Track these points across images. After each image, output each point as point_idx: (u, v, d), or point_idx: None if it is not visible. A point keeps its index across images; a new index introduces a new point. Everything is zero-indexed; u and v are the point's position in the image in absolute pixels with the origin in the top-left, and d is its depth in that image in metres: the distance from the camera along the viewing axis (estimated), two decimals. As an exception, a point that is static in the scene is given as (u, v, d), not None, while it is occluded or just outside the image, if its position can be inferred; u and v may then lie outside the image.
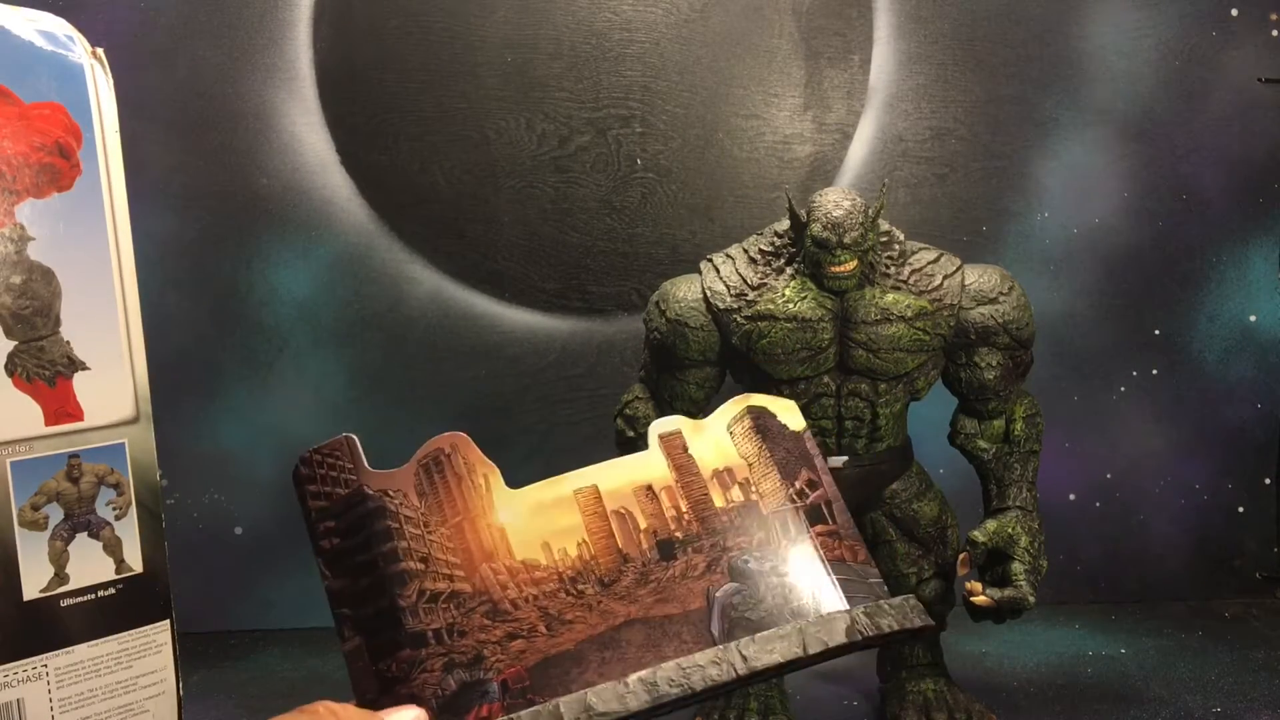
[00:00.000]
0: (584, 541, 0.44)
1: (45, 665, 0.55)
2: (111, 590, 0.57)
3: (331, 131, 1.20)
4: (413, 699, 0.41)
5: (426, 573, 0.44)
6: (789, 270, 0.84)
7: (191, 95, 1.18)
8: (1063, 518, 1.23)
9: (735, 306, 0.84)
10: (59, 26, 0.56)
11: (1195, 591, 1.26)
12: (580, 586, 0.43)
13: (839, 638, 0.42)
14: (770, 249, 0.86)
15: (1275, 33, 1.21)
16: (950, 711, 0.89)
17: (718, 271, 0.86)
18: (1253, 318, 1.25)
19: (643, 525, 0.45)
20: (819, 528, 0.45)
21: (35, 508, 0.55)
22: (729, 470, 0.46)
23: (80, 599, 0.56)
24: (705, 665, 0.41)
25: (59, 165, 0.55)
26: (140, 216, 0.60)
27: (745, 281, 0.85)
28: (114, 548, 0.58)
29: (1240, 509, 1.27)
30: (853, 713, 0.97)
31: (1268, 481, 1.27)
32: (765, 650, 0.41)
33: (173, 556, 0.60)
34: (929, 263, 0.85)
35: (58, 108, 0.55)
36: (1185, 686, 1.01)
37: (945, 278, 0.85)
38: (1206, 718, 0.94)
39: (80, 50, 0.56)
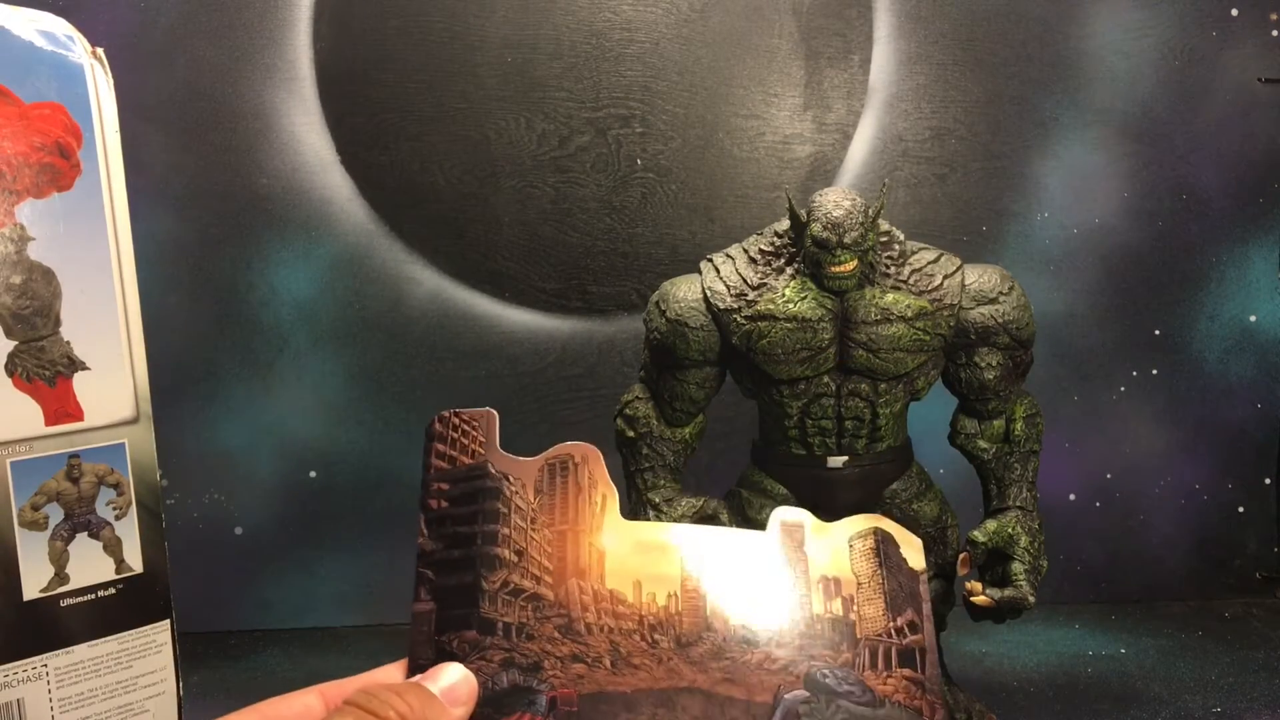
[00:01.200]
0: (675, 595, 0.43)
1: (45, 665, 0.55)
2: (111, 590, 0.57)
3: (331, 131, 1.20)
4: None
5: (517, 566, 0.43)
6: (789, 270, 0.84)
7: (191, 95, 1.18)
8: (1063, 518, 1.23)
9: (735, 306, 0.84)
10: (59, 26, 0.56)
11: (1195, 591, 1.26)
12: (657, 636, 0.43)
13: None
14: (770, 249, 0.86)
15: (1276, 33, 1.21)
16: (950, 711, 0.89)
17: (718, 271, 0.86)
18: (1253, 318, 1.25)
19: None
20: (906, 671, 0.43)
21: (35, 508, 0.55)
22: (837, 581, 0.44)
23: (80, 599, 0.56)
24: None
25: (59, 165, 0.55)
26: (140, 216, 0.60)
27: (745, 281, 0.85)
28: (114, 548, 0.58)
29: (1240, 509, 1.27)
30: (853, 713, 0.97)
31: (1268, 481, 1.27)
32: None
33: (172, 557, 0.60)
34: (929, 263, 0.85)
35: (58, 107, 0.55)
36: (1185, 686, 1.01)
37: (945, 278, 0.85)
38: (1206, 718, 0.94)
39: (80, 50, 0.56)
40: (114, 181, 0.55)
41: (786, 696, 0.41)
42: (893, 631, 0.44)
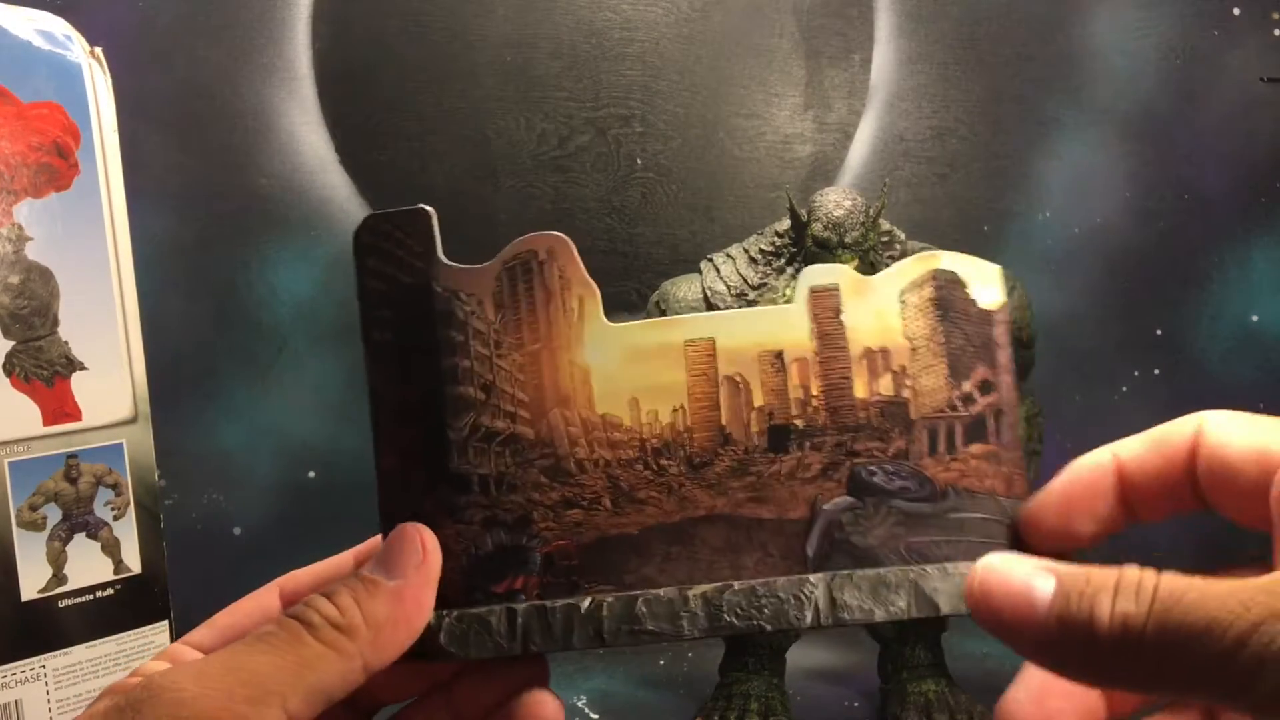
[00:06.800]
0: (681, 407, 0.35)
1: (43, 666, 0.55)
2: (110, 591, 0.57)
3: (330, 131, 1.20)
4: (442, 551, 0.35)
5: (486, 405, 0.36)
6: (790, 270, 0.84)
7: (190, 94, 1.18)
8: (1064, 518, 1.23)
9: (735, 306, 0.84)
10: (57, 25, 0.55)
11: (1196, 592, 1.26)
12: (664, 462, 0.35)
13: (960, 605, 0.34)
14: (771, 249, 0.86)
15: (1277, 32, 1.21)
16: (951, 713, 0.88)
17: (718, 271, 0.86)
18: (1255, 318, 1.25)
19: (758, 402, 0.35)
20: (976, 448, 0.35)
21: (33, 508, 0.55)
22: (884, 352, 0.35)
23: (78, 600, 0.56)
24: (784, 598, 0.34)
25: (57, 165, 0.55)
26: (138, 216, 0.60)
27: (746, 281, 0.85)
28: (112, 548, 0.57)
29: (1241, 509, 1.27)
30: (853, 714, 0.97)
31: (1269, 482, 1.26)
32: (860, 600, 0.33)
33: (171, 557, 0.60)
34: (930, 262, 0.85)
35: (56, 107, 0.55)
36: (1187, 687, 1.01)
37: (946, 277, 0.85)
38: (1208, 719, 0.94)
39: (78, 49, 0.56)
40: (112, 181, 0.55)
41: (826, 507, 0.34)
42: (958, 402, 0.35)
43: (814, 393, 0.35)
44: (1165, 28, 1.21)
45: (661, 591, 0.34)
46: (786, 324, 0.35)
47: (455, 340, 0.36)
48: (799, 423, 0.35)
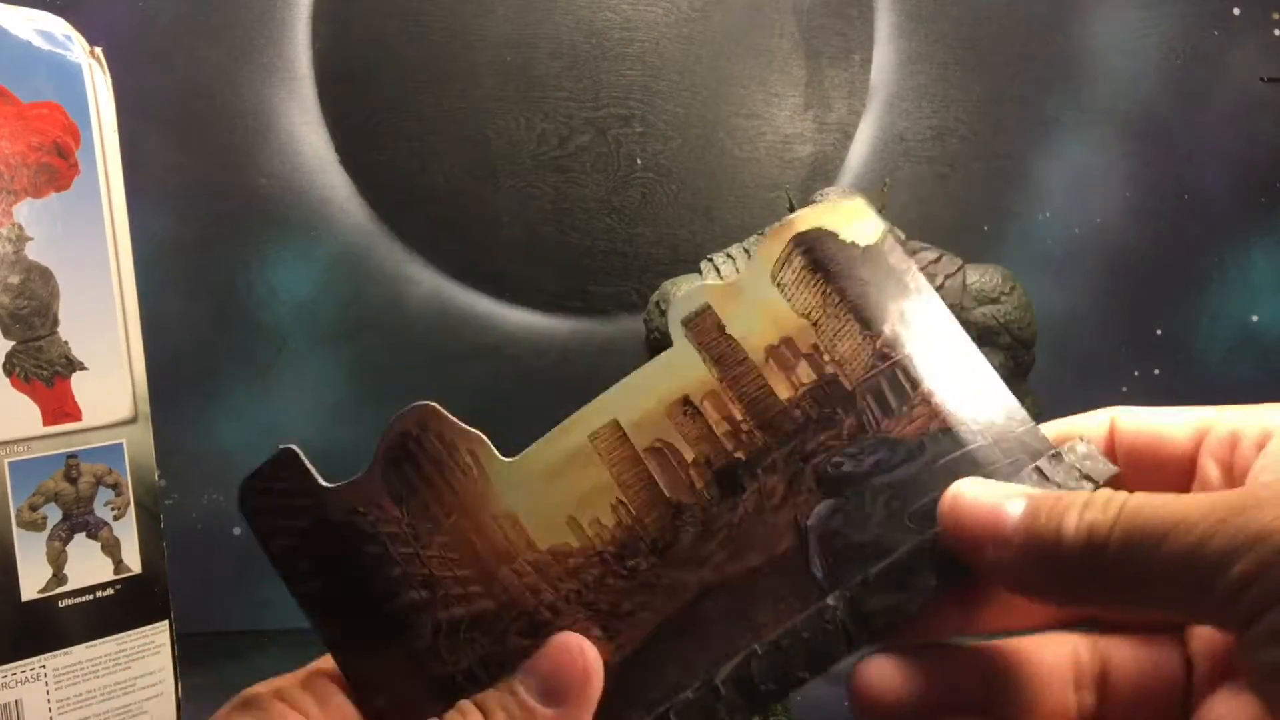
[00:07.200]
0: (620, 502, 0.33)
1: (43, 666, 0.55)
2: (110, 591, 0.57)
3: (330, 131, 1.20)
4: None
5: (435, 600, 0.33)
6: (790, 270, 0.84)
7: (190, 94, 1.18)
8: (1064, 518, 1.23)
9: (736, 306, 0.84)
10: (57, 25, 0.55)
11: (1196, 592, 1.26)
12: (630, 563, 0.32)
13: None
14: (771, 249, 0.86)
15: (1278, 32, 1.21)
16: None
17: (718, 271, 0.86)
18: (1255, 318, 1.25)
19: (690, 456, 0.33)
20: (926, 383, 0.33)
21: (33, 508, 0.55)
22: (787, 342, 0.33)
23: (78, 600, 0.56)
24: (811, 637, 0.31)
25: (57, 165, 0.55)
26: (138, 216, 0.60)
27: (746, 281, 0.85)
28: (112, 548, 0.57)
29: (1242, 509, 1.26)
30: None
31: (1269, 482, 1.26)
32: (888, 599, 0.30)
33: (171, 557, 0.60)
34: (930, 262, 0.85)
35: (55, 107, 0.55)
36: (1187, 687, 1.01)
37: (947, 277, 0.85)
38: (1208, 719, 0.94)
39: (78, 49, 0.56)
40: (112, 181, 0.55)
41: (809, 523, 0.32)
42: (885, 349, 0.32)
43: (739, 418, 0.33)
44: (1165, 28, 1.21)
45: (690, 694, 0.31)
46: (677, 367, 0.33)
47: (374, 554, 0.33)
48: (740, 455, 0.32)
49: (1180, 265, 1.24)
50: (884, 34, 1.21)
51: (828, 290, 0.33)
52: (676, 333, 0.33)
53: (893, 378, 0.32)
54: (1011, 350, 0.86)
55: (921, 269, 0.85)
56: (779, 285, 0.33)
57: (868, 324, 0.33)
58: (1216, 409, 0.32)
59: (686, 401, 0.33)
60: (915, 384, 0.32)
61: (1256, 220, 1.24)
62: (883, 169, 1.22)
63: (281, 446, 0.34)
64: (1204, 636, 0.32)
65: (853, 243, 0.33)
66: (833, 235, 0.33)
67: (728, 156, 1.22)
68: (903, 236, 0.85)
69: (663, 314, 0.86)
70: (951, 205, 1.23)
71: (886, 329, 0.33)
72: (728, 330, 0.33)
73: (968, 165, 1.22)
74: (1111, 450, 0.33)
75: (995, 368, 0.90)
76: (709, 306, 0.33)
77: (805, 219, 0.33)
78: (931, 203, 1.22)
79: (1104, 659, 0.33)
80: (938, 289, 0.87)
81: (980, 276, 0.85)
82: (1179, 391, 1.25)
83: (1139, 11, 1.21)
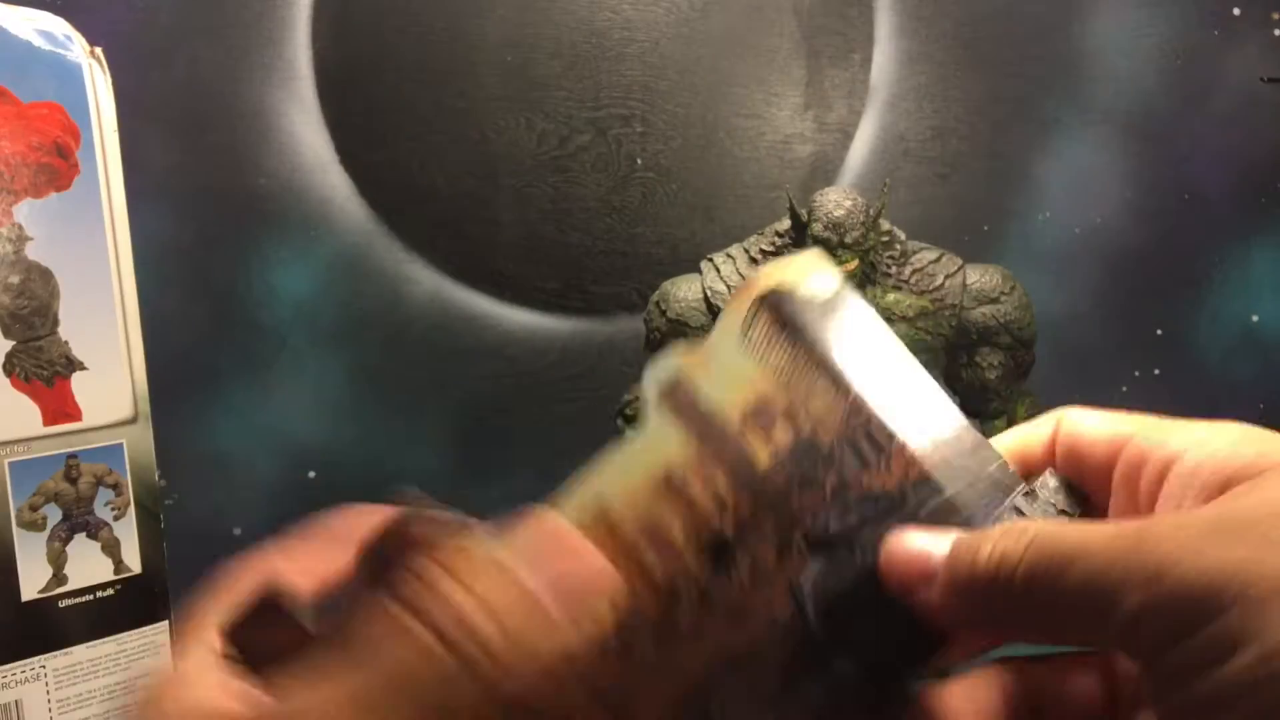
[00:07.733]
0: (614, 592, 0.31)
1: (44, 666, 0.54)
2: (110, 591, 0.57)
3: (330, 131, 1.20)
4: None
5: None
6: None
7: (190, 94, 1.18)
8: (1064, 518, 1.23)
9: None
10: (57, 25, 0.55)
11: (1196, 592, 1.26)
12: (635, 651, 0.30)
13: None
14: (771, 249, 0.86)
15: (1278, 32, 1.21)
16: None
17: (718, 271, 0.86)
18: (1255, 318, 1.25)
19: (680, 539, 0.31)
20: (899, 435, 0.32)
21: (33, 508, 0.55)
22: (763, 405, 0.32)
23: (78, 600, 0.56)
24: (813, 686, 0.30)
25: (57, 165, 0.55)
26: (138, 216, 0.60)
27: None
28: (112, 548, 0.57)
29: (1242, 509, 1.26)
30: (854, 714, 0.97)
31: (1269, 482, 1.26)
32: (849, 620, 0.30)
33: (171, 557, 0.60)
34: (930, 262, 0.85)
35: (56, 107, 0.55)
36: (1187, 687, 1.01)
37: (947, 277, 0.85)
38: (1208, 719, 0.94)
39: (78, 49, 0.56)
40: (112, 181, 0.55)
41: (804, 586, 0.31)
42: (855, 406, 0.32)
43: (723, 491, 0.31)
44: (1165, 28, 1.21)
45: None
46: (658, 446, 0.31)
47: None
48: (729, 527, 0.31)
49: (1180, 265, 1.24)
50: (884, 34, 1.21)
51: (795, 348, 0.32)
52: (653, 407, 0.32)
53: (868, 431, 0.32)
54: (1011, 350, 0.86)
55: (921, 269, 0.85)
56: (748, 347, 0.32)
57: (836, 379, 0.32)
58: (1141, 422, 0.31)
59: (669, 481, 0.31)
60: (890, 435, 0.32)
61: (1256, 220, 1.24)
62: (883, 169, 1.22)
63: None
64: (1127, 661, 0.32)
65: (812, 297, 0.32)
66: (791, 292, 0.32)
67: (728, 156, 1.22)
68: (903, 236, 0.86)
69: (663, 314, 0.86)
70: (951, 205, 1.23)
71: (854, 383, 0.32)
72: (703, 398, 0.31)
73: (967, 165, 1.22)
74: (1052, 459, 0.33)
75: (995, 367, 0.90)
76: (683, 377, 0.32)
77: (765, 277, 0.33)
78: (931, 203, 1.22)
79: (1038, 689, 0.33)
80: (938, 289, 0.87)
81: (980, 276, 0.85)
82: (1179, 391, 1.25)
83: (1138, 11, 1.21)
